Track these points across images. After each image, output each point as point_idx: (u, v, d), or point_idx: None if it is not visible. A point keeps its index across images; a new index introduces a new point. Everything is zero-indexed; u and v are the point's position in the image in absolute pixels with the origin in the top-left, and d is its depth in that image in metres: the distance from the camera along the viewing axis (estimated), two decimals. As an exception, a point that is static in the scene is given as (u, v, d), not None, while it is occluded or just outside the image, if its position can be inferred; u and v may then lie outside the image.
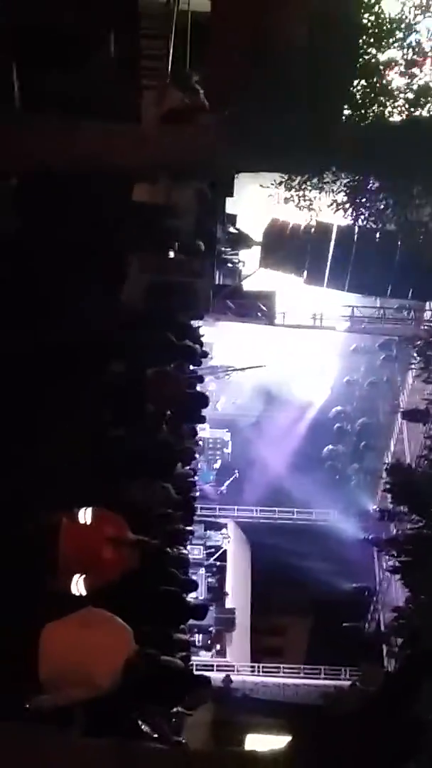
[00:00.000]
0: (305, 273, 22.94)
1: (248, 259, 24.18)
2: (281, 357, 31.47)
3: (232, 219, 22.54)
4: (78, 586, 6.69)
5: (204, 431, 28.36)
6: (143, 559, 7.09)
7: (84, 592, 6.76)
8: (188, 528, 15.17)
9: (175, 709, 10.85)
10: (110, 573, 6.89)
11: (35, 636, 5.84)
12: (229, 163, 9.86)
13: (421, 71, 9.05)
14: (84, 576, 6.69)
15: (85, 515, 6.90)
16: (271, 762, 6.31)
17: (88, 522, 6.87)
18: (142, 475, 10.30)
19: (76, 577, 6.65)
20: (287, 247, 22.24)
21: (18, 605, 6.52)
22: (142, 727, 8.62)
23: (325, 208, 10.45)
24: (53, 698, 5.93)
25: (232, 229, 23.14)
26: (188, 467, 14.61)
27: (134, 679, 6.15)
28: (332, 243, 21.89)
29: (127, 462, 10.05)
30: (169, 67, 11.92)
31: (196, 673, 10.34)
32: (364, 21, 8.76)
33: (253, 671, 29.53)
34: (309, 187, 9.87)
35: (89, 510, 6.95)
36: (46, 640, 5.83)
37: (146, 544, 7.21)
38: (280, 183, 9.88)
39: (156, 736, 9.15)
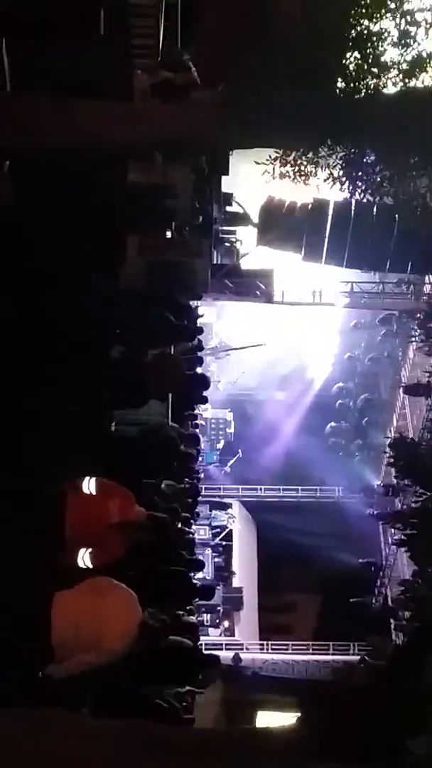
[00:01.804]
0: (303, 250, 22.88)
1: (246, 237, 24.11)
2: (281, 335, 31.44)
3: (228, 198, 22.46)
4: (84, 559, 6.71)
5: (206, 412, 28.40)
6: (150, 530, 7.10)
7: (90, 565, 6.79)
8: (193, 509, 15.22)
9: (185, 688, 10.91)
10: (117, 546, 6.91)
11: (46, 605, 5.88)
12: (224, 140, 9.77)
13: (414, 42, 8.93)
14: (90, 550, 6.70)
15: (89, 485, 6.91)
16: (283, 738, 6.33)
17: (93, 492, 6.88)
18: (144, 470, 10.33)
19: (82, 550, 6.66)
20: (284, 224, 22.18)
21: (27, 577, 6.53)
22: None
23: (322, 183, 10.34)
24: (66, 666, 5.97)
25: (228, 208, 23.07)
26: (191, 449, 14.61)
27: (149, 642, 6.20)
28: (329, 219, 21.83)
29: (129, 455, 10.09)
30: (161, 45, 11.82)
31: (205, 652, 10.36)
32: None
33: (261, 649, 29.67)
34: (304, 162, 9.77)
35: (92, 480, 6.95)
36: (57, 608, 5.88)
37: (153, 516, 7.22)
38: (276, 159, 9.77)
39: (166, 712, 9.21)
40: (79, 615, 5.91)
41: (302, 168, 10.24)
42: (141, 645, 6.23)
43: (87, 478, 7.01)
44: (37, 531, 7.00)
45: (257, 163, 10.66)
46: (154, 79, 10.83)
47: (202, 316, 21.23)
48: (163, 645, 8.68)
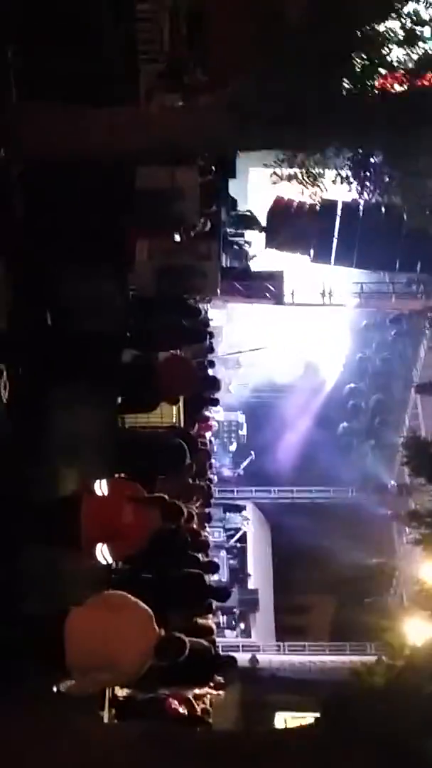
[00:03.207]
0: (312, 251, 22.86)
1: (255, 239, 24.11)
2: (292, 336, 31.40)
3: (235, 202, 22.49)
4: (103, 553, 6.73)
5: (218, 414, 28.35)
6: (165, 517, 7.12)
7: (110, 560, 6.82)
8: (207, 511, 15.22)
9: (203, 690, 10.92)
10: (135, 537, 6.92)
11: (61, 621, 5.87)
12: (231, 142, 9.80)
13: (421, 41, 8.93)
14: (107, 544, 6.72)
15: (101, 487, 6.94)
16: (302, 739, 6.34)
17: (105, 493, 6.91)
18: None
19: (100, 545, 6.67)
20: (293, 226, 22.15)
21: (43, 585, 6.56)
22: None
23: (330, 184, 10.33)
24: (81, 685, 5.97)
25: (237, 211, 23.09)
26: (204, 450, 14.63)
27: (164, 663, 6.19)
28: (338, 220, 21.80)
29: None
30: (167, 49, 11.86)
31: (222, 653, 10.38)
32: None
33: (278, 650, 29.61)
34: (312, 163, 9.76)
35: (104, 481, 6.99)
36: (71, 626, 5.86)
37: (164, 501, 7.24)
38: (283, 160, 9.77)
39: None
40: (94, 634, 5.87)
41: (310, 169, 10.24)
42: (158, 663, 6.20)
43: (98, 480, 7.05)
44: (51, 536, 7.04)
45: (266, 165, 10.66)
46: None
47: (212, 319, 21.24)
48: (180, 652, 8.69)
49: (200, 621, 10.90)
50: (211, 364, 15.80)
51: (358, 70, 8.79)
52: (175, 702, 10.24)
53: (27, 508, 7.19)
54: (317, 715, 6.43)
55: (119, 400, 10.80)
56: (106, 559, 6.86)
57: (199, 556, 11.19)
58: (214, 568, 12.05)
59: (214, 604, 11.42)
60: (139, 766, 5.59)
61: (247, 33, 9.18)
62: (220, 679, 10.99)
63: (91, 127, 8.42)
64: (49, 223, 9.41)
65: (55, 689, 6.05)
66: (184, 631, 6.81)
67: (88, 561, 6.84)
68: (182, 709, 10.33)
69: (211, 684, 10.93)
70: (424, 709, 5.74)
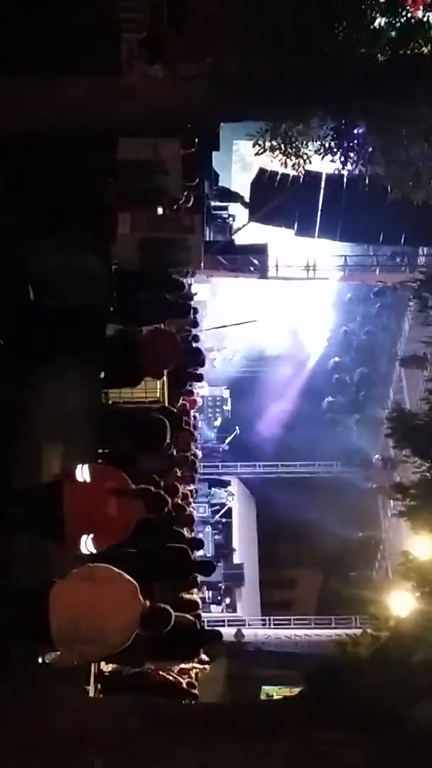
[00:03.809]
0: (295, 224, 22.76)
1: (238, 213, 23.97)
2: (276, 310, 31.34)
3: (218, 175, 22.35)
4: (87, 545, 6.68)
5: (202, 389, 28.32)
6: (149, 508, 7.08)
7: (94, 551, 6.77)
8: (192, 486, 15.21)
9: (189, 665, 10.95)
10: (119, 529, 6.89)
11: (45, 594, 5.85)
12: (213, 113, 9.70)
13: (403, 9, 8.82)
14: (92, 535, 6.67)
15: (82, 472, 6.87)
16: (287, 711, 6.35)
17: (87, 479, 6.84)
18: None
19: (84, 537, 6.63)
20: (276, 199, 22.04)
21: (27, 561, 6.52)
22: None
23: (313, 155, 10.25)
24: (67, 656, 5.96)
25: (220, 184, 22.95)
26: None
27: (150, 633, 6.17)
28: (321, 192, 21.70)
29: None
30: (148, 18, 11.70)
31: (207, 627, 10.39)
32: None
33: (264, 624, 29.75)
34: (295, 134, 9.68)
35: (86, 467, 6.93)
36: (56, 599, 5.84)
37: (149, 492, 7.19)
38: (266, 131, 9.68)
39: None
40: (79, 606, 5.86)
41: (293, 140, 10.15)
42: (143, 633, 6.18)
43: (80, 465, 6.97)
44: (34, 523, 6.99)
45: (248, 136, 10.57)
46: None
47: (196, 293, 21.15)
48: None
49: (185, 595, 10.91)
50: (195, 338, 15.74)
51: (340, 39, 8.69)
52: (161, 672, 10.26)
53: (8, 496, 7.15)
54: (302, 687, 6.45)
55: (102, 375, 10.74)
56: (90, 551, 6.82)
57: (185, 531, 11.18)
58: (199, 544, 12.04)
59: (199, 578, 11.42)
60: (127, 738, 5.59)
61: (229, 2, 9.07)
62: (204, 655, 11.03)
63: (68, 96, 8.29)
64: (30, 196, 9.31)
65: (40, 660, 6.03)
66: (170, 605, 6.79)
67: (71, 551, 6.79)
68: (169, 677, 10.35)
69: (197, 659, 10.95)
70: (409, 678, 5.76)
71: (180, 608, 10.12)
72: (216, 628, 10.60)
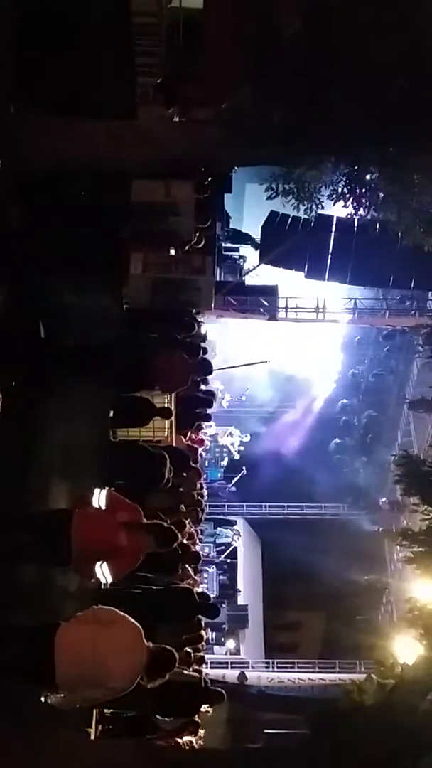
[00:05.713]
0: (306, 267, 22.88)
1: (249, 254, 24.10)
2: (285, 351, 31.40)
3: (229, 217, 22.51)
4: (102, 571, 6.68)
5: (210, 428, 28.29)
6: (159, 543, 7.09)
7: (110, 579, 6.78)
8: (198, 528, 15.14)
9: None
10: (131, 558, 6.88)
11: (50, 637, 5.81)
12: (227, 157, 9.80)
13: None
14: (106, 563, 6.67)
15: (99, 498, 6.88)
16: (290, 757, 6.29)
17: (102, 506, 6.86)
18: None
19: (98, 564, 6.63)
20: (287, 241, 22.17)
21: (33, 599, 6.49)
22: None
23: (325, 200, 10.36)
24: (70, 700, 5.91)
25: (232, 226, 23.13)
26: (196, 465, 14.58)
27: (155, 680, 6.13)
28: (332, 235, 21.84)
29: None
30: (164, 62, 11.87)
31: (211, 688, 10.35)
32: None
33: (267, 667, 29.46)
34: (308, 179, 9.79)
35: (103, 492, 6.93)
36: (61, 642, 5.79)
37: (160, 527, 7.20)
38: (279, 175, 9.79)
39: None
40: (84, 650, 5.81)
41: (305, 184, 10.26)
42: (148, 678, 6.15)
43: (98, 490, 6.99)
44: (42, 549, 6.99)
45: (261, 181, 10.69)
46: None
47: (206, 333, 21.21)
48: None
49: (193, 653, 10.91)
50: (205, 380, 15.73)
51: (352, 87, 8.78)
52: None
53: (17, 524, 7.14)
54: (306, 732, 6.39)
55: (111, 414, 10.76)
56: (105, 578, 6.83)
57: (195, 594, 10.95)
58: (214, 612, 11.33)
59: (203, 620, 11.33)
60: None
61: (245, 49, 9.20)
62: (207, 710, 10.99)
63: (87, 138, 8.42)
64: (45, 234, 9.39)
65: (43, 700, 5.98)
66: (174, 648, 6.75)
67: (85, 579, 6.79)
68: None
69: (198, 715, 10.89)
70: (416, 728, 5.70)
71: (184, 644, 10.10)
72: (219, 689, 10.43)
